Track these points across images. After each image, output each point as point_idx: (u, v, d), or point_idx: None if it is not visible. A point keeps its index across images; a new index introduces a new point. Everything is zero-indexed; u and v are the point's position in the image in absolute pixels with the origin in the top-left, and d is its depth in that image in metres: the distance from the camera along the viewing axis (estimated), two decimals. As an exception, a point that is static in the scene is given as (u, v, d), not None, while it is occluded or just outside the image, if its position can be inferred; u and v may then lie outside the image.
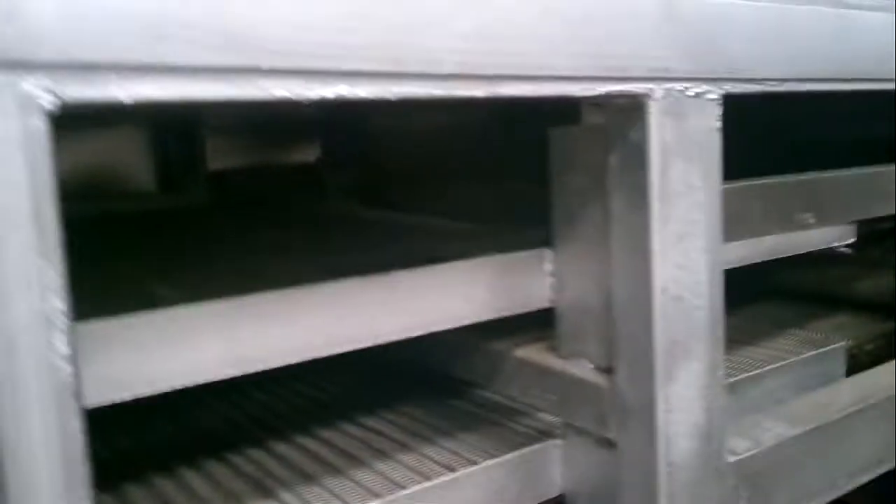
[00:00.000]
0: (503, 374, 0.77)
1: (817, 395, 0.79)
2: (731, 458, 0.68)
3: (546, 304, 0.72)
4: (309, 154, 1.65)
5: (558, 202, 0.69)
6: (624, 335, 0.64)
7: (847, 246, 0.84)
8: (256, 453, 0.73)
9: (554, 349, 0.73)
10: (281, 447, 0.74)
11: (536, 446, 0.72)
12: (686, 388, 0.62)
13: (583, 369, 0.69)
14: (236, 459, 0.71)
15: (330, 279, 0.61)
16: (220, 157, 1.60)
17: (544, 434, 0.74)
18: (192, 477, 0.68)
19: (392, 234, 1.05)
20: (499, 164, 1.15)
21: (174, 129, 1.56)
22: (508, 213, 1.04)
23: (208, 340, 0.55)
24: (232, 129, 1.62)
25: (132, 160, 1.55)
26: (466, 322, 0.67)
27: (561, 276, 0.71)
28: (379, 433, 0.77)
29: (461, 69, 0.48)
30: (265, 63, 0.43)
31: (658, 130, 0.56)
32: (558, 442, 0.73)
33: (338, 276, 0.61)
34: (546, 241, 0.72)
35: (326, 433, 0.77)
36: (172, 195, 1.57)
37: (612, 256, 0.64)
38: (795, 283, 1.05)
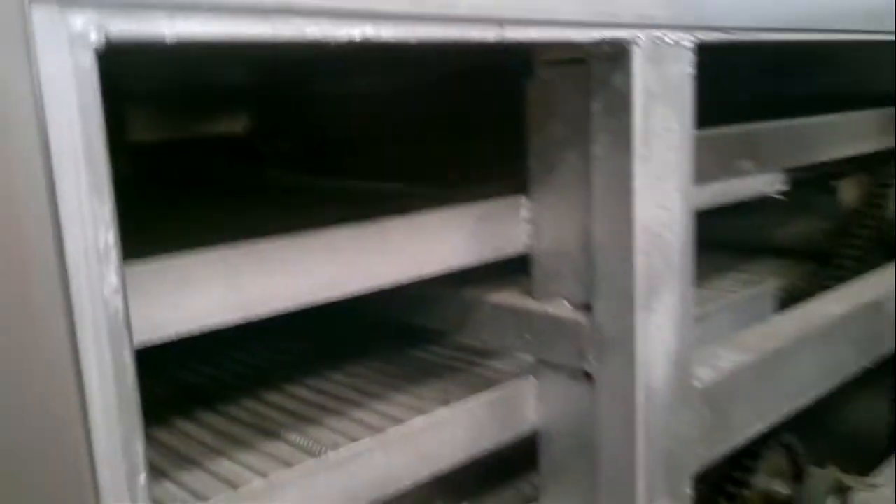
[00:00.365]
0: (477, 320, 0.80)
1: (763, 327, 0.86)
2: (698, 385, 0.74)
3: (522, 250, 0.76)
4: (237, 125, 1.62)
5: (536, 151, 0.73)
6: (604, 273, 0.68)
7: (780, 193, 0.91)
8: (245, 403, 0.74)
9: (528, 293, 0.77)
10: (270, 396, 0.75)
11: (513, 382, 0.76)
12: (663, 317, 0.67)
13: (560, 308, 0.73)
14: (227, 409, 0.72)
15: (326, 226, 0.62)
16: (142, 129, 1.55)
17: (520, 373, 0.78)
18: (189, 426, 0.68)
19: (337, 199, 1.06)
20: (444, 127, 1.17)
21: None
22: (455, 172, 1.07)
23: (215, 286, 0.55)
24: (155, 101, 1.57)
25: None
26: (453, 266, 0.70)
27: (538, 222, 0.74)
28: (352, 385, 0.79)
29: (474, 12, 0.51)
30: (298, 2, 0.44)
31: (641, 76, 0.60)
32: (534, 379, 0.77)
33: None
34: (520, 189, 0.75)
35: (301, 389, 0.78)
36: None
37: (592, 199, 0.67)
38: (728, 230, 1.13)
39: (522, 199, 0.75)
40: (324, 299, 0.61)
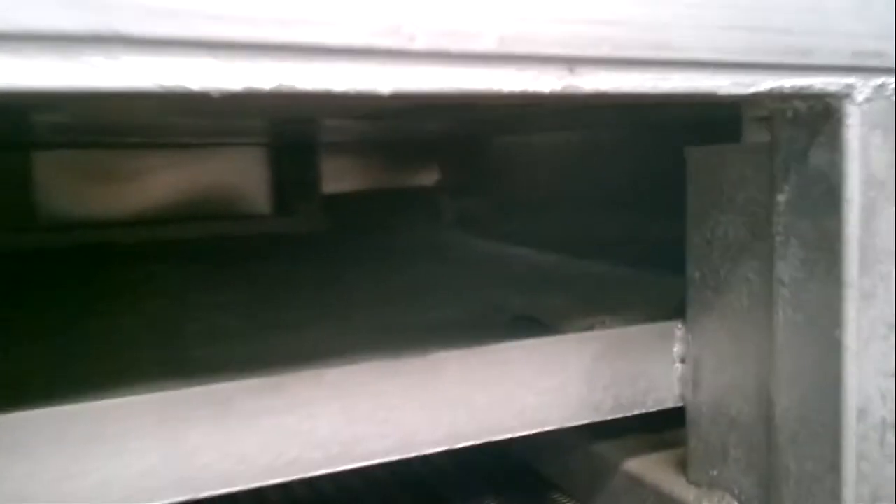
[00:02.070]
0: (607, 490, 0.55)
1: None
2: None
3: (672, 403, 0.50)
4: (427, 178, 1.48)
5: (696, 255, 0.48)
6: (791, 470, 0.41)
7: None
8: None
9: (681, 467, 0.51)
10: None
11: None
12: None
13: (725, 506, 0.46)
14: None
15: (351, 359, 0.43)
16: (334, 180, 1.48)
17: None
18: None
19: (491, 277, 0.85)
20: (635, 195, 0.93)
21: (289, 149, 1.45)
22: (636, 254, 0.82)
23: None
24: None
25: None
26: (552, 427, 0.47)
27: (696, 362, 0.49)
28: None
29: (518, 48, 0.28)
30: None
31: (861, 152, 0.34)
32: None
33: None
34: (677, 310, 0.50)
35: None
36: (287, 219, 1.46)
37: (775, 343, 0.41)
38: None
39: (678, 327, 0.49)
40: (328, 469, 0.41)
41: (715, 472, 0.47)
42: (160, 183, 1.34)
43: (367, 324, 0.61)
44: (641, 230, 0.91)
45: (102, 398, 0.37)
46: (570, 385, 0.47)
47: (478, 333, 0.58)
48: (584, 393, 0.47)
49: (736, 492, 0.46)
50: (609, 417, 0.48)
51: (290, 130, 1.26)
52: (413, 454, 0.43)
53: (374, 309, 0.67)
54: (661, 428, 0.58)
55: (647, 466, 0.53)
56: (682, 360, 0.50)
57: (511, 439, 0.58)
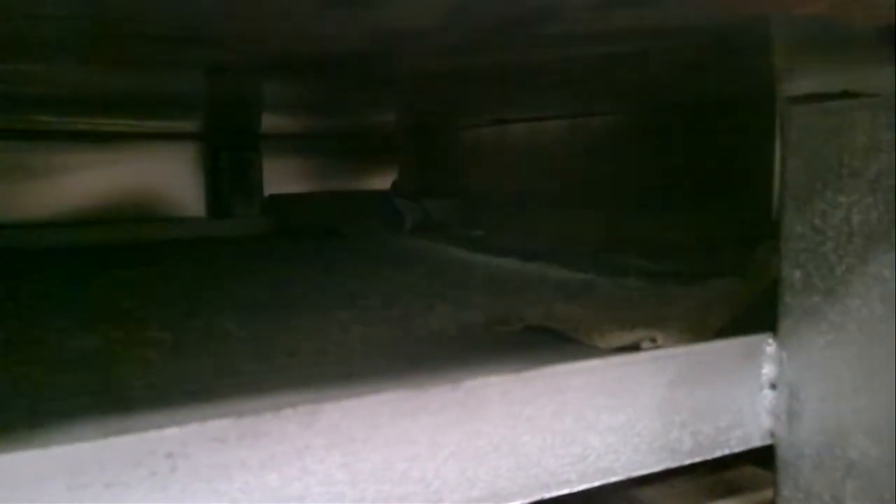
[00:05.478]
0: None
1: None
2: None
3: (760, 441, 0.39)
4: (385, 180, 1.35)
5: (798, 249, 0.37)
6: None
7: None
8: None
9: (768, 521, 0.40)
10: None
11: None
12: None
13: (840, 578, 0.35)
14: None
15: (349, 387, 0.30)
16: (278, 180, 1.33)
17: None
18: None
19: (470, 284, 0.73)
20: (623, 190, 0.82)
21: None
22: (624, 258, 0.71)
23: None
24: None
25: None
26: (618, 478, 0.35)
27: (793, 388, 0.37)
28: None
29: None
30: None
31: None
32: None
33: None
34: (767, 323, 0.39)
35: None
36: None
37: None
38: None
39: (767, 342, 0.38)
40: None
41: (822, 530, 0.36)
42: (83, 181, 1.18)
43: (341, 337, 0.48)
44: (633, 231, 0.80)
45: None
46: (640, 421, 0.35)
47: (487, 350, 0.47)
48: (657, 431, 0.36)
49: (856, 558, 0.35)
50: (687, 462, 0.37)
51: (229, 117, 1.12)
52: (439, 523, 0.31)
53: (344, 319, 0.54)
54: (712, 465, 0.47)
55: (717, 522, 0.41)
56: (773, 386, 0.38)
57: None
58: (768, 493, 0.41)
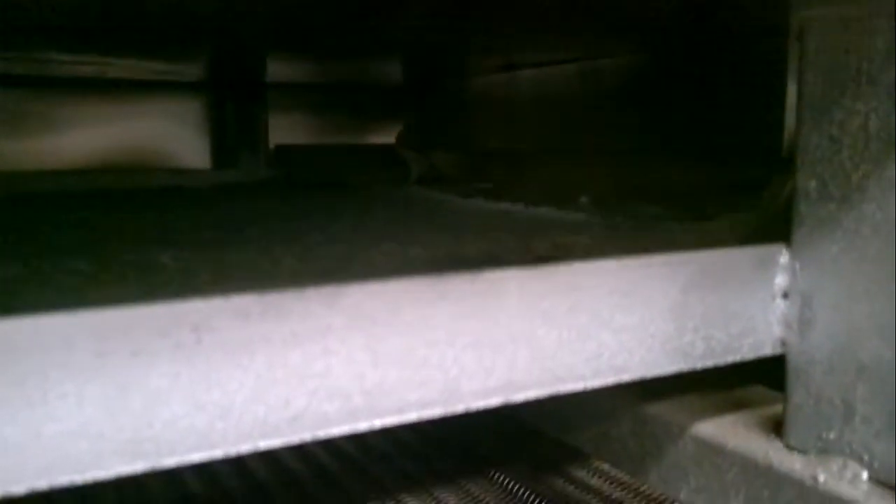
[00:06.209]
0: (667, 460, 0.44)
1: None
2: None
3: (771, 350, 0.39)
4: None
5: (814, 158, 0.37)
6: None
7: None
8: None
9: (772, 430, 0.40)
10: None
11: None
12: None
13: (847, 482, 0.36)
14: None
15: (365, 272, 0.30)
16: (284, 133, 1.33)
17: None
18: None
19: (484, 225, 0.73)
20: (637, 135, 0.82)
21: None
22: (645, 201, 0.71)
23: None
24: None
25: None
26: (631, 377, 0.35)
27: (806, 298, 0.38)
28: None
29: None
30: None
31: None
32: None
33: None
34: (777, 232, 0.39)
35: None
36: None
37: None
38: None
39: (781, 253, 0.39)
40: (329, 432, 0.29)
41: (832, 435, 0.37)
42: (88, 132, 1.17)
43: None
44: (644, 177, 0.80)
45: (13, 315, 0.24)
46: (653, 323, 0.36)
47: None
48: (670, 333, 0.36)
49: (865, 458, 0.35)
50: (699, 366, 0.37)
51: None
52: (459, 408, 0.31)
53: (354, 242, 0.54)
54: (718, 384, 0.48)
55: (725, 430, 0.42)
56: (785, 296, 0.39)
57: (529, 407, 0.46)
58: (777, 409, 0.42)
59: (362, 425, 0.29)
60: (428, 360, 0.30)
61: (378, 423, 0.30)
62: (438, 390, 0.31)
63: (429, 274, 0.30)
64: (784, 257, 0.38)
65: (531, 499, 0.45)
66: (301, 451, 0.54)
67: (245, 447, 0.27)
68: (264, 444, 0.28)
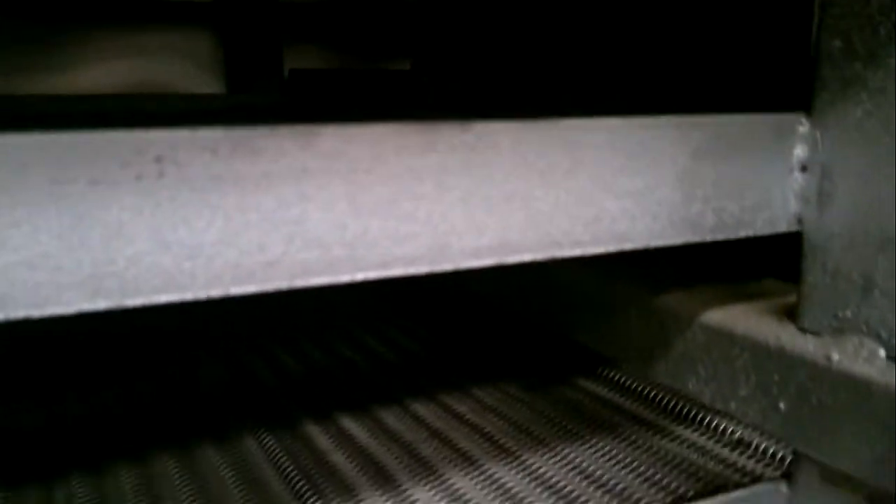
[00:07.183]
0: (676, 351, 0.42)
1: None
2: None
3: (786, 226, 0.37)
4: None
5: (836, 14, 0.34)
6: None
7: None
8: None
9: (784, 315, 0.38)
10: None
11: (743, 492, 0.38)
12: None
13: (862, 360, 0.34)
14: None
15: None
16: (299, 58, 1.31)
17: (755, 475, 0.40)
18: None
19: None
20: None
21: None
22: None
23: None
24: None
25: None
26: (634, 246, 0.33)
27: (827, 170, 0.35)
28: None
29: None
30: None
31: None
32: (786, 489, 0.38)
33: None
34: (793, 102, 0.36)
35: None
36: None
37: None
38: None
39: (800, 121, 0.36)
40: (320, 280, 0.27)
41: (848, 313, 0.35)
42: (104, 63, 1.16)
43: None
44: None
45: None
46: (659, 189, 0.33)
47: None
48: (678, 202, 0.34)
49: (883, 336, 0.33)
50: (709, 239, 0.35)
51: None
52: (447, 267, 0.29)
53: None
54: (732, 277, 0.46)
55: (735, 317, 0.40)
56: (804, 169, 0.36)
57: (529, 299, 0.45)
58: (790, 299, 0.40)
59: (344, 277, 0.28)
60: (415, 215, 0.29)
61: (360, 276, 0.28)
62: (426, 246, 0.29)
63: (414, 121, 0.28)
64: (804, 126, 0.36)
65: (541, 402, 0.44)
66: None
67: (216, 291, 0.26)
68: (237, 289, 0.26)
